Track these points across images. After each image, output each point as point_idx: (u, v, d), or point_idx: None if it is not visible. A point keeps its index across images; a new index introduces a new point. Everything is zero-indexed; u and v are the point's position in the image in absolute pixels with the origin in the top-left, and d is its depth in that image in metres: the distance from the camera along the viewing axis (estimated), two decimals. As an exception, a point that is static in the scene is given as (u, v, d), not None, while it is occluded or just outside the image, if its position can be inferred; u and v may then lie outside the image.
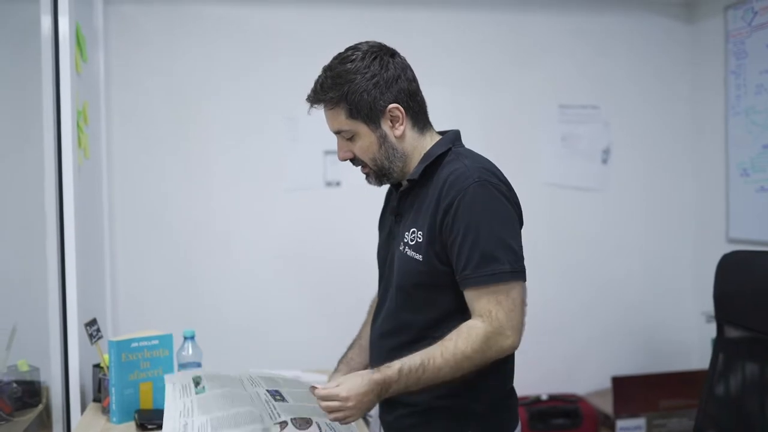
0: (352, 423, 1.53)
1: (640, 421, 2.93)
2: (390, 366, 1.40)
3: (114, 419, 1.84)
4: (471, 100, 3.11)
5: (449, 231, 1.45)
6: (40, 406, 2.06)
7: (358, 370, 1.76)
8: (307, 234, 2.99)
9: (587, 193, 3.25)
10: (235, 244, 2.95)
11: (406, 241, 1.53)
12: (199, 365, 1.92)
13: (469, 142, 3.20)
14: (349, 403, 1.37)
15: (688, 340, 3.27)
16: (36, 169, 2.00)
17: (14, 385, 1.98)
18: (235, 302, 2.93)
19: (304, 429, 1.51)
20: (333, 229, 2.99)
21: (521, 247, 1.49)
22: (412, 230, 1.52)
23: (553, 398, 3.02)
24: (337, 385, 1.39)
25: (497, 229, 1.43)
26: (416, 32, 3.01)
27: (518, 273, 1.44)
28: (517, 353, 3.26)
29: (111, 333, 2.70)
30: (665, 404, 3.00)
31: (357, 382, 1.39)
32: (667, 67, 3.27)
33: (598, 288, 3.25)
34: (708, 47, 3.16)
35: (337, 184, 3.00)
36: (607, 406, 2.97)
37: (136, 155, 2.84)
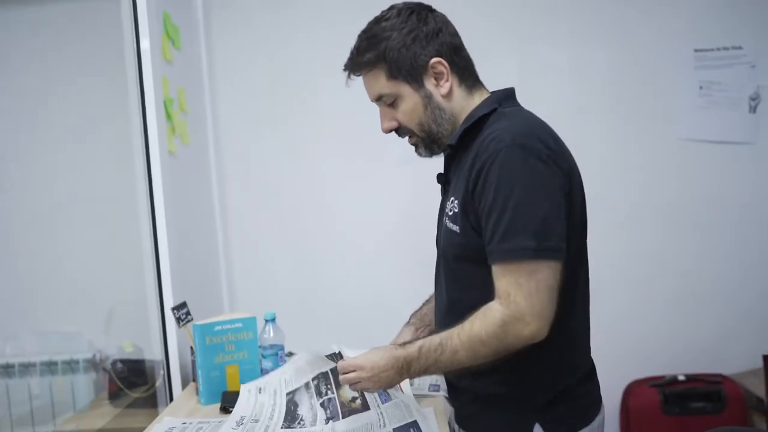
0: (395, 393, 1.54)
1: (801, 406, 2.56)
2: (413, 343, 1.34)
3: (202, 401, 1.89)
4: (592, 53, 2.83)
5: (479, 198, 1.30)
6: (147, 385, 2.16)
7: (432, 325, 1.69)
8: (419, 207, 2.88)
9: (734, 147, 2.85)
10: (346, 220, 2.91)
11: (447, 212, 1.41)
12: (282, 348, 1.92)
13: (591, 100, 2.93)
14: (364, 374, 1.34)
15: None
16: (127, 160, 2.08)
17: (119, 364, 2.09)
18: (349, 281, 2.90)
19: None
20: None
21: (560, 221, 1.28)
22: (451, 199, 1.39)
23: (691, 378, 2.71)
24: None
25: (528, 198, 1.25)
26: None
27: (545, 252, 1.25)
28: (649, 330, 2.98)
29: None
30: (833, 386, 2.59)
31: (377, 355, 1.35)
32: (831, -8, 2.77)
33: (749, 254, 2.86)
34: None
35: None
36: (759, 388, 2.62)
37: (243, 137, 2.87)
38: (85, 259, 2.20)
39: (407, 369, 1.33)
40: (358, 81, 1.49)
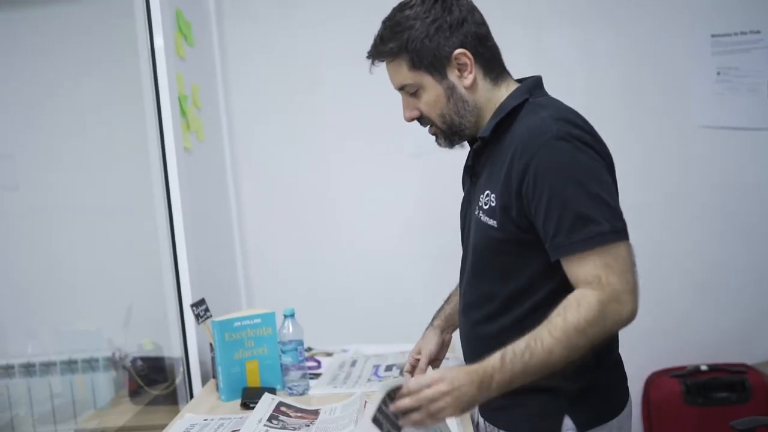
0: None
1: (828, 395, 2.53)
2: (491, 355, 1.22)
3: (223, 397, 1.88)
4: (607, 39, 2.80)
5: (531, 195, 1.27)
6: (167, 383, 2.16)
7: (457, 324, 1.63)
8: (434, 200, 2.87)
9: (754, 133, 2.82)
10: (361, 215, 2.90)
11: (480, 205, 1.38)
12: (301, 343, 1.90)
13: (607, 87, 2.90)
14: (444, 386, 1.17)
15: None
16: (143, 157, 2.08)
17: (139, 362, 2.09)
18: (365, 277, 2.89)
19: None
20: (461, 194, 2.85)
21: (618, 202, 1.30)
22: (486, 192, 1.37)
23: (714, 369, 2.68)
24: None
25: (589, 185, 1.24)
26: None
27: (620, 233, 1.24)
28: (671, 321, 2.94)
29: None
30: None
31: (452, 371, 1.21)
32: None
33: (772, 241, 2.83)
34: None
35: (462, 145, 2.83)
36: (784, 377, 2.60)
37: (257, 133, 2.86)
38: (102, 258, 2.21)
39: (489, 382, 1.20)
40: (378, 72, 1.47)
